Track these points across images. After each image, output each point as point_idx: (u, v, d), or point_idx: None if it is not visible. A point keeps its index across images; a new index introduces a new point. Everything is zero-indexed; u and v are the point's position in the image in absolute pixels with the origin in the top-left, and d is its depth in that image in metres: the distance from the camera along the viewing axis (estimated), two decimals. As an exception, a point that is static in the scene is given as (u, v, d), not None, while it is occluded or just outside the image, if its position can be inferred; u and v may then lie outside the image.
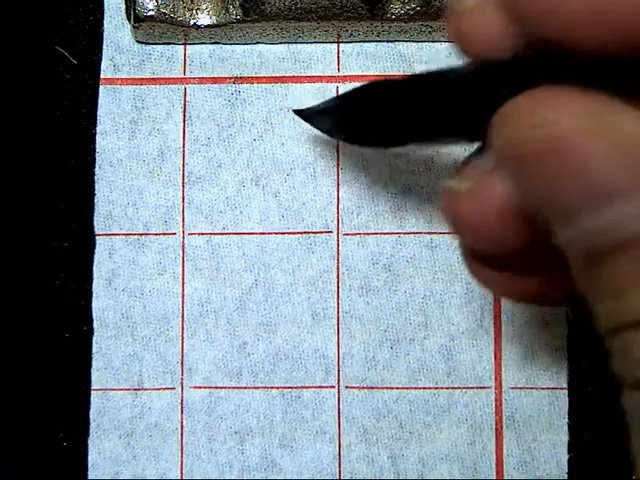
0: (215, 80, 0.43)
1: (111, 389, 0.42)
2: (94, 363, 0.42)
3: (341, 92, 0.43)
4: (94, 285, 0.42)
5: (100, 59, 0.43)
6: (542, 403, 0.41)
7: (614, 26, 0.21)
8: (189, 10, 0.42)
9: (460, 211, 0.26)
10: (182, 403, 0.41)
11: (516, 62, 0.26)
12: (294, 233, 0.42)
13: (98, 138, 0.43)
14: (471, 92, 0.27)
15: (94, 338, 0.42)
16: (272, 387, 0.41)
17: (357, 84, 0.43)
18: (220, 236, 0.42)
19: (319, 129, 0.40)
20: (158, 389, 0.42)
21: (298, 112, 0.40)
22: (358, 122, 0.35)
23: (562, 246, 0.23)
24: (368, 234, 0.42)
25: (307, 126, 0.42)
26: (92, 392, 0.42)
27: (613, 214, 0.21)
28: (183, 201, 0.42)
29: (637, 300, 0.21)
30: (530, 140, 0.22)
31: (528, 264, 0.28)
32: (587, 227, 0.22)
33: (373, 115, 0.33)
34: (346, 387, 0.41)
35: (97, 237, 0.42)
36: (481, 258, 0.28)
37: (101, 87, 0.43)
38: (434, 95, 0.29)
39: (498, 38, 0.24)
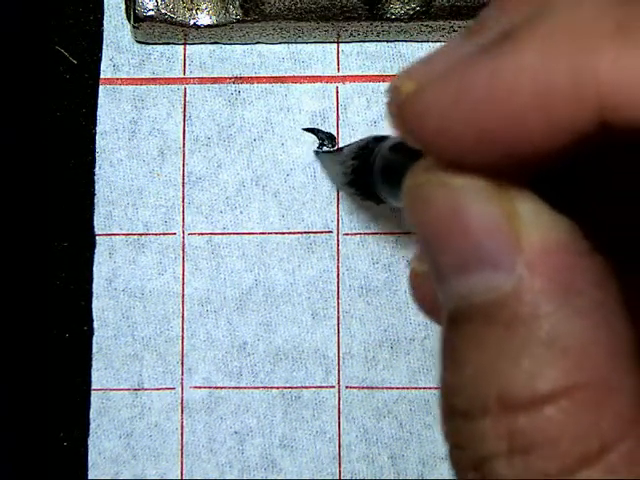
0: (215, 80, 0.43)
1: (111, 389, 0.42)
2: (94, 363, 0.42)
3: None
4: (94, 285, 0.42)
5: (100, 59, 0.43)
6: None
7: (502, 147, 0.20)
8: (189, 10, 0.42)
9: (421, 292, 0.26)
10: (182, 403, 0.41)
11: None
12: (294, 233, 0.42)
13: (98, 138, 0.43)
14: None
15: (94, 338, 0.42)
16: (272, 387, 0.41)
17: (357, 84, 0.43)
18: (220, 236, 0.42)
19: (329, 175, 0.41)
20: (158, 389, 0.42)
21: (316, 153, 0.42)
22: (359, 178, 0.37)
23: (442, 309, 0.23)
24: (368, 234, 0.42)
25: (306, 127, 0.43)
26: (92, 392, 0.41)
27: (471, 282, 0.21)
28: (183, 201, 0.42)
29: (468, 374, 0.21)
30: (419, 193, 0.22)
31: None
32: (453, 290, 0.21)
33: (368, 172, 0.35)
34: (346, 387, 0.41)
35: (97, 237, 0.42)
36: None
37: (101, 87, 0.43)
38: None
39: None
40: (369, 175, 0.35)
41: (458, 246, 0.21)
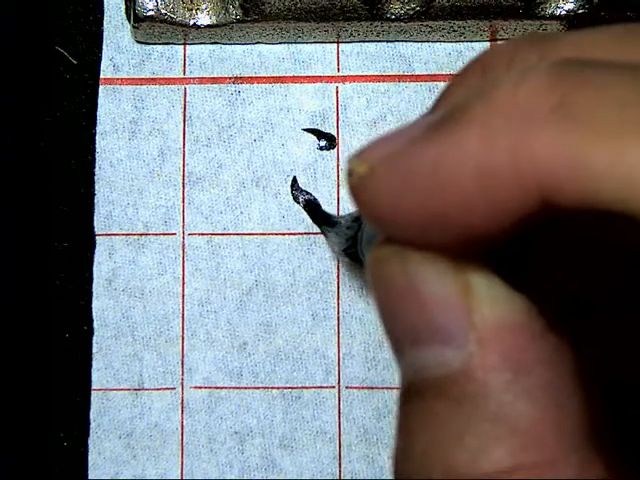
0: (215, 80, 0.43)
1: (111, 389, 0.42)
2: (94, 363, 0.42)
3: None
4: (94, 285, 0.42)
5: (100, 59, 0.43)
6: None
7: (452, 230, 0.20)
8: (189, 10, 0.42)
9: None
10: (182, 403, 0.41)
11: None
12: (294, 234, 0.42)
13: (98, 138, 0.43)
14: None
15: (94, 338, 0.42)
16: (272, 387, 0.41)
17: (357, 84, 0.43)
18: (220, 237, 0.42)
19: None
20: (158, 389, 0.42)
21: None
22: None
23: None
24: (368, 234, 0.42)
25: (306, 127, 0.43)
26: (92, 392, 0.41)
27: (424, 356, 0.21)
28: (183, 201, 0.42)
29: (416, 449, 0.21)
30: (378, 266, 0.22)
31: None
32: (407, 364, 0.22)
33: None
34: (346, 387, 0.41)
35: (97, 237, 0.42)
36: None
37: (101, 87, 0.43)
38: None
39: None
40: (359, 245, 0.37)
41: (412, 320, 0.21)
